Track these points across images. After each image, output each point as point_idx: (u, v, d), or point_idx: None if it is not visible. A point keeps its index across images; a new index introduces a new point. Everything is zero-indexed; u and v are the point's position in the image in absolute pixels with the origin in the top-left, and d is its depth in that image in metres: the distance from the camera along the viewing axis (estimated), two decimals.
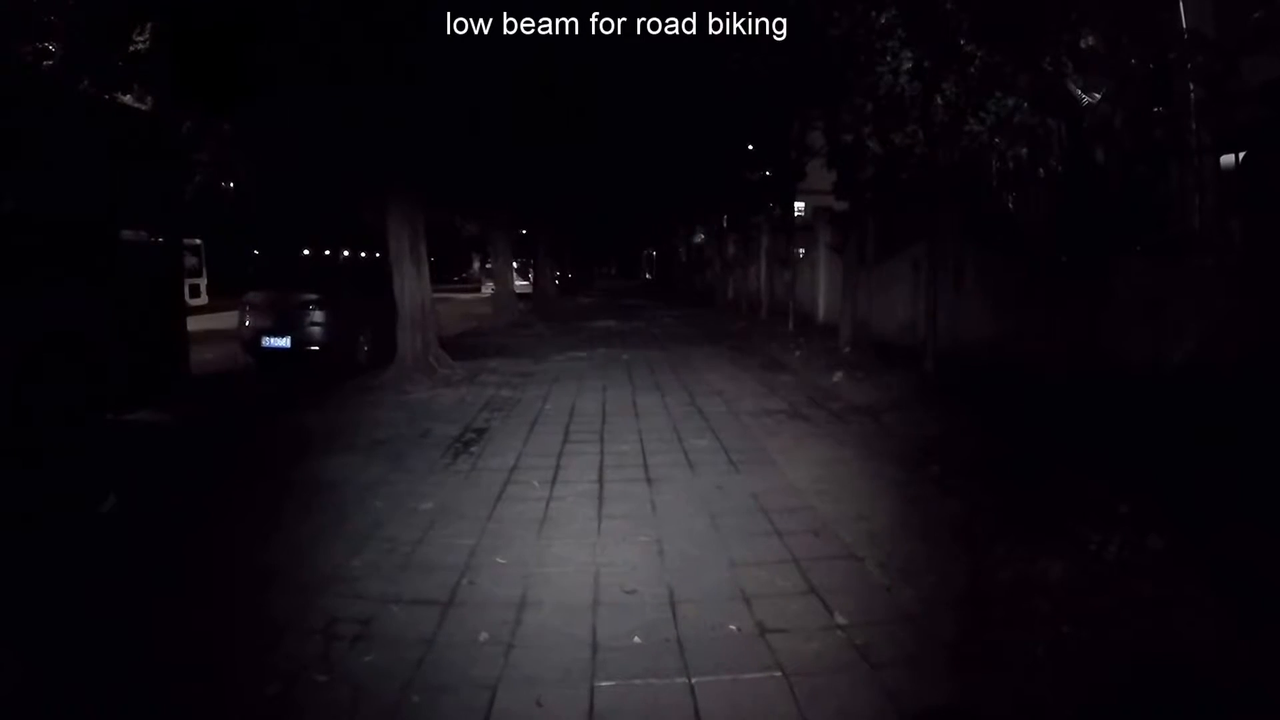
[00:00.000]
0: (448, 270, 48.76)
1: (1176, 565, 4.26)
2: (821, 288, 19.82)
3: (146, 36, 10.04)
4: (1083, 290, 9.09)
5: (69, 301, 7.05)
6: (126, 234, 8.01)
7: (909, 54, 9.95)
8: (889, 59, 9.95)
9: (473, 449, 7.62)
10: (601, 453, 7.47)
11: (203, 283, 27.72)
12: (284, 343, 12.61)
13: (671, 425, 8.76)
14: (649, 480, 6.49)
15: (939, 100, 10.09)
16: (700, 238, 44.04)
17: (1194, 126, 12.56)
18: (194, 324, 10.62)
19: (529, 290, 26.03)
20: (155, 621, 3.75)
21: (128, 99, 10.05)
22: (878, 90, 10.14)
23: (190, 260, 24.01)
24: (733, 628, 3.81)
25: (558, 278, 35.72)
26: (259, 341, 12.83)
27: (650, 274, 78.30)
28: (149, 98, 10.03)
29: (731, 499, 5.97)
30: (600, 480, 6.50)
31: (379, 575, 4.43)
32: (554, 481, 6.46)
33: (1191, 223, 10.90)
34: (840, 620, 3.92)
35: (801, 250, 21.68)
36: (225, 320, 17.33)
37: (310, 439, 7.78)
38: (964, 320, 11.40)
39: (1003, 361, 9.97)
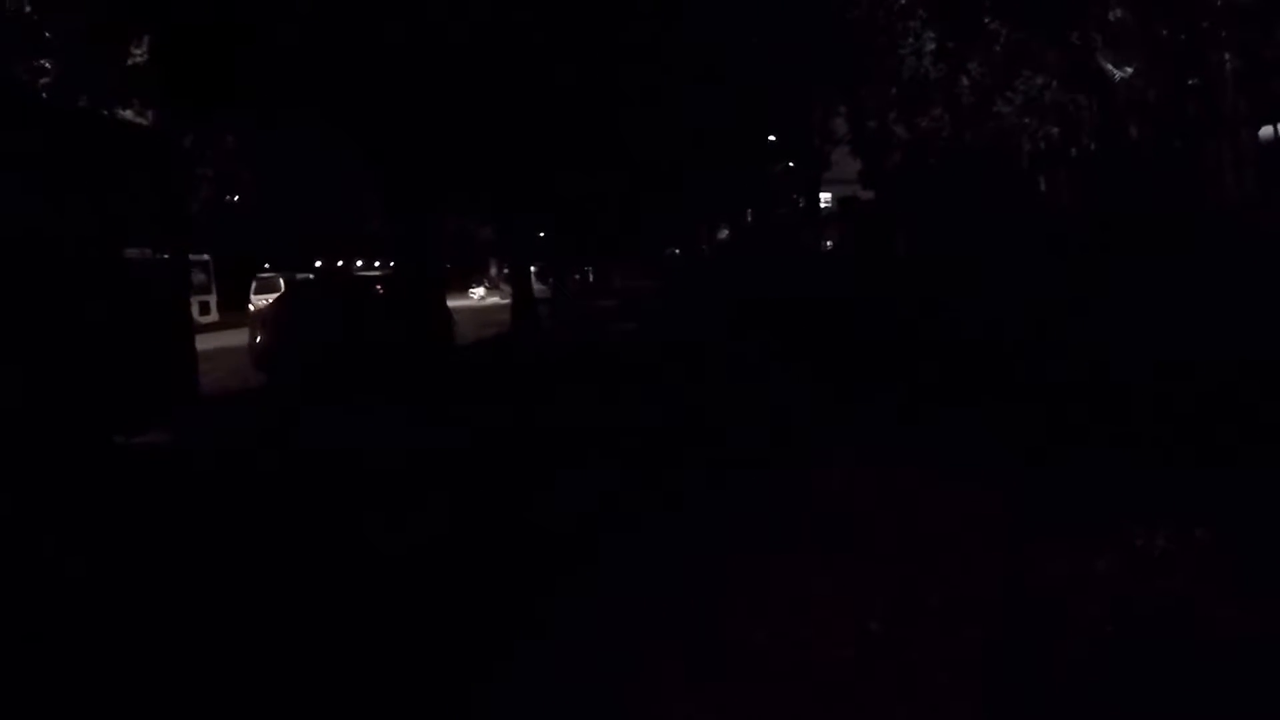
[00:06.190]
0: (463, 276, 47.54)
1: None
2: None
3: (144, 50, 9.81)
4: None
5: (73, 322, 6.78)
6: (131, 252, 7.75)
7: (931, 34, 9.58)
8: (911, 40, 9.58)
9: None
10: None
11: (212, 299, 27.44)
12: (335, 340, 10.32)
13: None
14: None
15: (965, 81, 9.71)
16: (725, 233, 42.93)
17: (1231, 98, 12.16)
18: (203, 342, 10.19)
19: (547, 294, 25.71)
20: None
21: (129, 114, 9.82)
22: (900, 73, 9.78)
23: (198, 277, 23.77)
24: None
25: (577, 280, 35.43)
26: (302, 348, 10.51)
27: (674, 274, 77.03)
28: (149, 112, 9.79)
29: None
30: None
31: None
32: None
33: (1232, 197, 10.48)
34: None
35: (829, 242, 21.32)
36: (237, 337, 17.07)
37: None
38: None
39: None
